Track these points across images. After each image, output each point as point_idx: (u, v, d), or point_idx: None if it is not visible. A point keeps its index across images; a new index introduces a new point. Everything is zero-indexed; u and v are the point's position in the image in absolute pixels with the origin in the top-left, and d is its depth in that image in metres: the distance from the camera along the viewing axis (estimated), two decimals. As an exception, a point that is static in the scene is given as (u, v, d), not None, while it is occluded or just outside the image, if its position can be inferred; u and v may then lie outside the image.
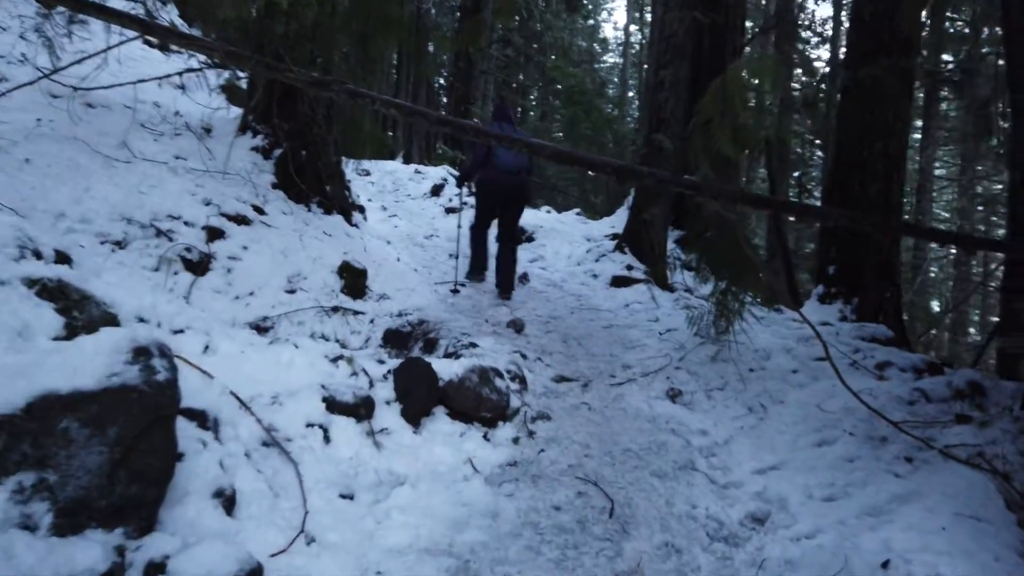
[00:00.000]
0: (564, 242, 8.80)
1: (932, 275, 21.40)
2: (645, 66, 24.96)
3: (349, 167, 12.55)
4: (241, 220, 6.16)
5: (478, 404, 4.06)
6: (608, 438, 4.06)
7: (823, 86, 8.38)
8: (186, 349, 3.66)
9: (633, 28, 31.83)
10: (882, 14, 7.64)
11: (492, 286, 7.38)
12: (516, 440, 3.97)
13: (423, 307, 6.20)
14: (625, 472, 3.66)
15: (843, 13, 17.67)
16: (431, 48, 22.19)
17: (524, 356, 5.22)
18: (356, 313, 5.96)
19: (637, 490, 3.48)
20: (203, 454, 2.90)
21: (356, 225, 7.96)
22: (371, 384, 3.90)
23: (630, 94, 29.56)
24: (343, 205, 7.86)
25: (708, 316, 5.81)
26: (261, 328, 5.40)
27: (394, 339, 5.83)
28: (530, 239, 9.11)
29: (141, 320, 3.74)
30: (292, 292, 5.80)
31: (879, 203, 8.02)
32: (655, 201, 7.82)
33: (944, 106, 19.52)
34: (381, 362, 4.12)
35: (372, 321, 5.96)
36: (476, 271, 7.41)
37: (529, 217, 9.74)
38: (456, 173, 13.20)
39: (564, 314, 6.61)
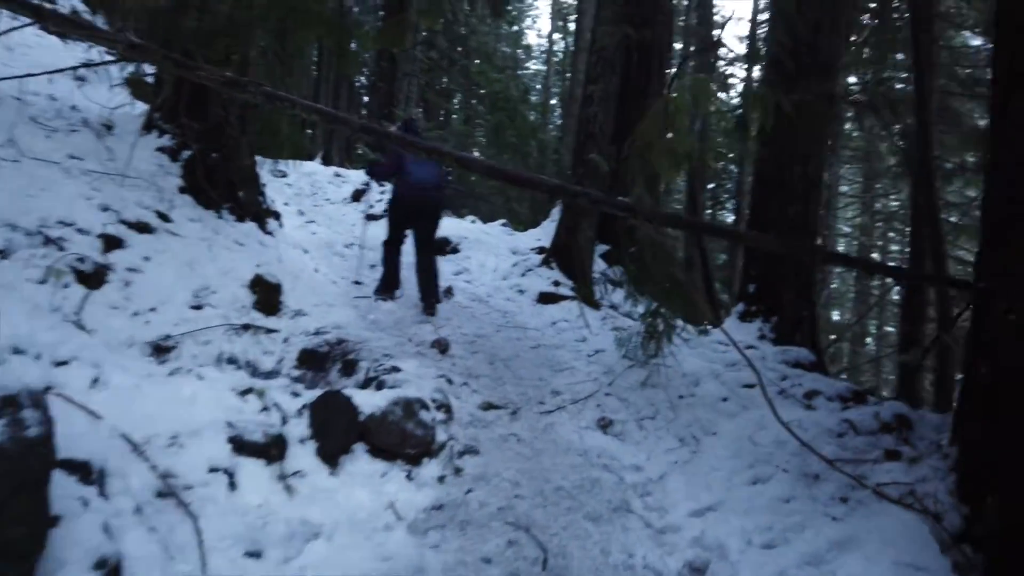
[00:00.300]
0: (490, 254, 8.56)
1: (834, 287, 22.30)
2: (568, 74, 25.07)
3: (264, 169, 11.94)
4: (143, 228, 5.65)
5: (402, 440, 3.76)
6: (539, 474, 3.83)
7: (749, 109, 8.45)
8: (71, 384, 3.22)
9: (556, 36, 31.97)
10: (802, 39, 7.75)
11: (416, 301, 7.06)
12: (442, 479, 3.70)
13: (342, 324, 5.83)
14: (558, 515, 3.44)
15: (760, 36, 18.16)
16: (353, 46, 21.59)
17: (450, 381, 4.95)
18: (269, 331, 5.54)
19: (571, 536, 3.27)
20: (84, 516, 2.50)
21: (271, 233, 7.50)
22: (284, 420, 3.55)
23: (552, 101, 29.64)
24: (257, 211, 7.38)
25: (637, 338, 5.68)
26: (162, 348, 4.93)
27: (310, 360, 5.45)
28: (455, 250, 8.83)
29: (17, 351, 3.26)
30: (198, 308, 5.34)
31: (798, 224, 8.14)
32: (583, 216, 7.69)
33: (848, 126, 20.38)
34: (296, 395, 3.76)
35: (286, 340, 5.56)
36: (386, 288, 7.02)
37: (454, 227, 9.45)
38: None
39: (490, 332, 6.37)
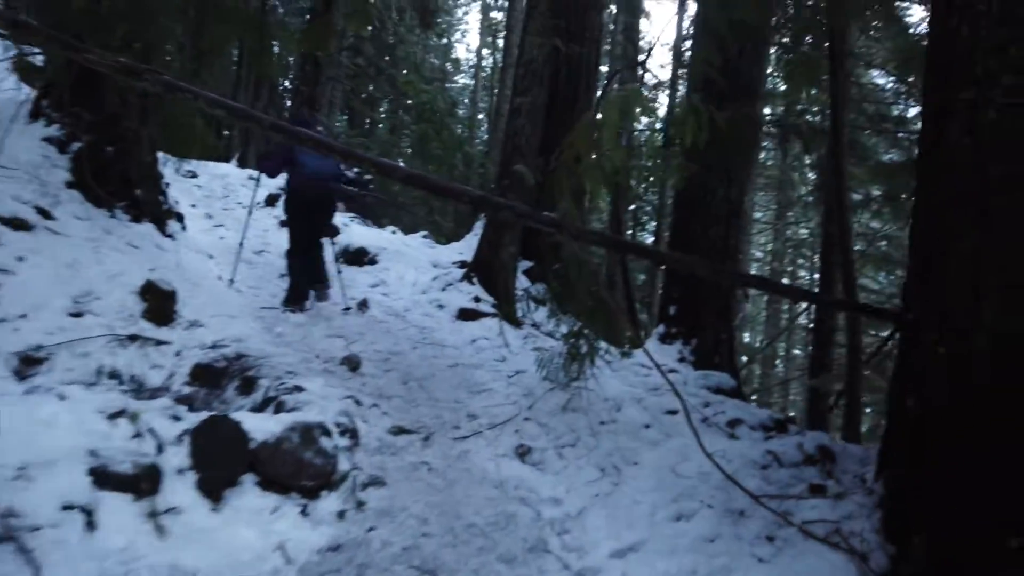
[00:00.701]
0: (409, 267, 8.18)
1: (749, 309, 22.84)
2: (496, 90, 24.98)
3: (168, 168, 11.21)
4: (19, 225, 5.06)
5: (298, 470, 3.35)
6: (450, 509, 3.49)
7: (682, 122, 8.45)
8: None
9: (485, 52, 31.85)
10: (725, 62, 7.74)
11: (327, 314, 6.61)
12: (342, 515, 3.31)
13: (243, 337, 5.34)
14: (469, 556, 3.11)
15: (685, 60, 18.49)
16: (276, 47, 20.84)
17: (358, 402, 4.55)
18: (159, 343, 5.01)
19: (483, 581, 2.94)
20: None
21: (171, 236, 6.91)
22: (160, 448, 3.09)
23: (480, 116, 29.49)
24: (156, 212, 6.78)
25: (558, 359, 5.43)
26: (31, 360, 4.37)
27: (204, 376, 4.94)
28: (372, 261, 8.40)
29: None
30: (78, 316, 4.78)
31: (718, 246, 8.11)
32: (506, 230, 7.42)
33: (763, 155, 20.99)
34: (176, 418, 3.30)
35: (179, 354, 5.04)
36: (295, 300, 6.62)
37: (373, 237, 9.03)
38: None
39: (406, 349, 6.00)
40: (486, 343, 6.38)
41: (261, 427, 3.37)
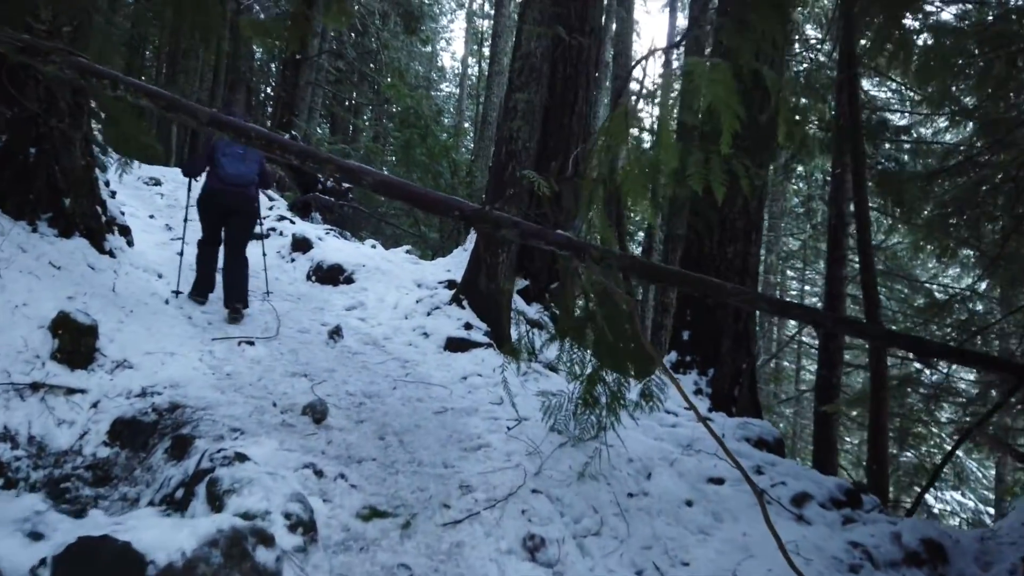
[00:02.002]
0: (391, 287, 7.11)
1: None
2: (482, 98, 24.02)
3: (130, 174, 10.05)
4: None
5: (220, 607, 2.28)
6: (440, 649, 2.43)
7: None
8: None
9: (471, 60, 30.90)
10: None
11: (290, 346, 5.53)
12: (283, 673, 2.24)
13: (182, 381, 4.25)
14: None
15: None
16: (255, 47, 19.68)
17: (319, 472, 3.48)
18: (71, 392, 3.91)
19: None
20: None
21: (111, 253, 5.80)
22: (1, 593, 2.00)
23: (466, 124, 28.49)
24: (91, 225, 5.67)
25: (568, 405, 4.40)
26: None
27: (127, 434, 3.85)
28: (349, 280, 7.31)
29: None
30: (-40, 360, 3.69)
31: (736, 265, 7.13)
32: (500, 246, 6.37)
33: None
34: (37, 537, 2.21)
35: (96, 405, 3.95)
36: (198, 291, 6.07)
37: (350, 253, 7.94)
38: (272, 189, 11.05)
39: (385, 390, 4.92)
40: (479, 380, 5.32)
41: (165, 543, 2.29)
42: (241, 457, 3.35)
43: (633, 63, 11.36)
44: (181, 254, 6.51)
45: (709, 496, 3.57)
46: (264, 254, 7.22)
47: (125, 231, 6.49)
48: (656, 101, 2.41)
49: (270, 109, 23.60)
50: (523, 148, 6.43)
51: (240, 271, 6.03)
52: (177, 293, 6.01)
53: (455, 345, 5.82)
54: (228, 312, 5.88)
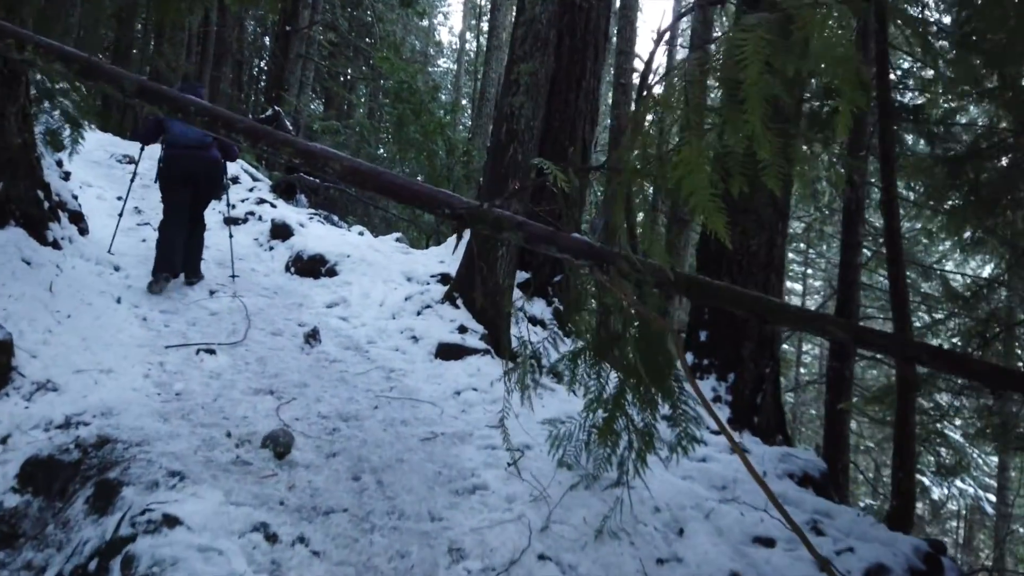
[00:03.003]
0: (377, 280, 6.32)
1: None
2: (480, 74, 23.08)
3: (101, 152, 9.20)
4: None
5: None
6: None
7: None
8: None
9: (469, 35, 29.80)
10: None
11: (262, 353, 4.75)
12: None
13: (117, 407, 3.48)
14: None
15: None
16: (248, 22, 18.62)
17: (273, 537, 2.72)
18: (-28, 426, 3.14)
19: None
20: None
21: (55, 244, 5.00)
22: None
23: (464, 102, 27.49)
24: (31, 213, 4.87)
25: (579, 432, 3.66)
26: None
27: (42, 478, 3.09)
28: (331, 272, 6.52)
29: None
30: None
31: (761, 258, 6.35)
32: (500, 243, 5.57)
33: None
34: None
35: (5, 441, 3.19)
36: (158, 275, 5.52)
37: (334, 241, 7.13)
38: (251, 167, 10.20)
39: (364, 410, 4.16)
40: (474, 396, 4.56)
41: None
42: (171, 521, 2.59)
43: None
44: (117, 226, 6.21)
45: (758, 565, 2.82)
46: (231, 236, 6.53)
47: (77, 218, 5.68)
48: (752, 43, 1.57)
49: (263, 84, 22.62)
50: (526, 127, 5.60)
51: (197, 239, 5.84)
52: (116, 269, 5.65)
53: (448, 352, 5.05)
54: (184, 279, 5.78)
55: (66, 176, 6.13)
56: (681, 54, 19.64)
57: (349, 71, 22.96)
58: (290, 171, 9.38)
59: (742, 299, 2.60)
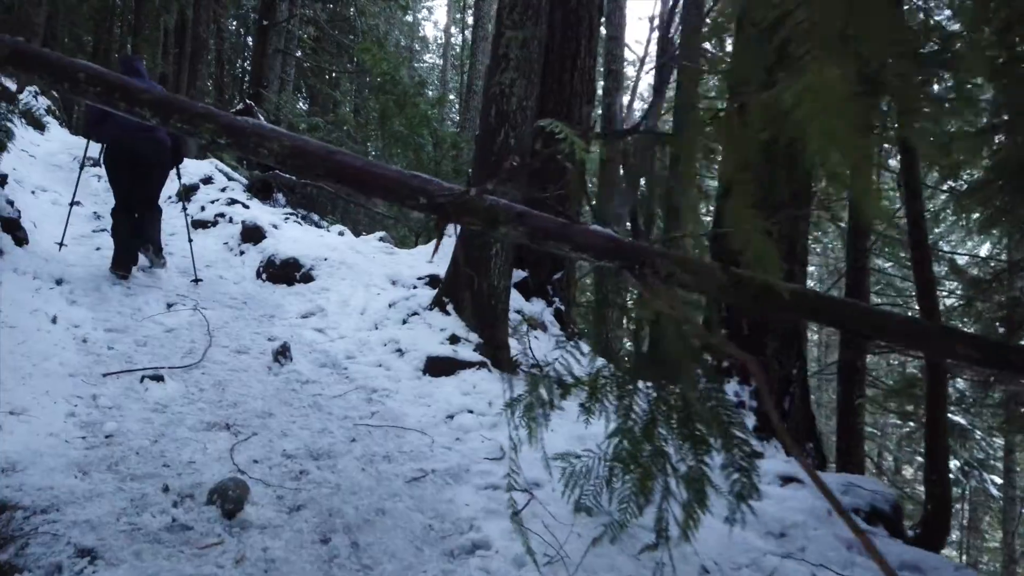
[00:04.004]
0: (358, 285, 5.58)
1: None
2: (467, 66, 22.35)
3: (65, 155, 8.43)
4: None
5: None
6: None
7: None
8: None
9: (454, 29, 28.97)
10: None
11: (221, 377, 4.01)
12: None
13: (26, 459, 2.75)
14: None
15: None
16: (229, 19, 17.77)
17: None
18: None
19: None
20: None
21: (-20, 257, 4.23)
22: None
23: (451, 97, 26.68)
24: (-55, 222, 4.12)
25: (600, 467, 2.95)
26: None
27: (-90, 566, 2.35)
28: (307, 278, 5.78)
29: None
30: None
31: (782, 249, 5.66)
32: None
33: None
34: None
35: None
36: (120, 265, 5.28)
37: (310, 243, 6.38)
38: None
39: (339, 443, 3.43)
40: (470, 420, 3.83)
41: None
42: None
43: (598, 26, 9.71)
44: (65, 231, 5.73)
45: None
46: (191, 240, 5.88)
47: (11, 226, 4.93)
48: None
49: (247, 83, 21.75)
50: (518, 108, 4.86)
51: (154, 225, 5.50)
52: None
53: (438, 366, 4.32)
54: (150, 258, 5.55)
55: (0, 181, 5.36)
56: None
57: (334, 69, 22.13)
58: (265, 169, 8.65)
59: (826, 307, 1.89)
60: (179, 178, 6.00)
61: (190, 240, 5.87)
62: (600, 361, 2.73)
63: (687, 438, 2.31)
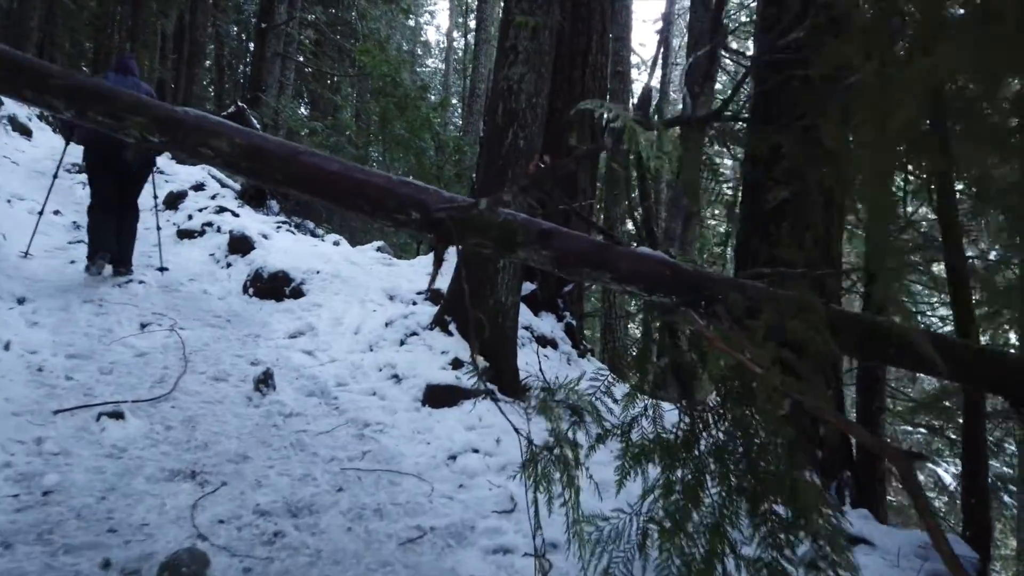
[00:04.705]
0: (353, 301, 5.06)
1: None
2: (470, 70, 21.90)
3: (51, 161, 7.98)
4: None
5: None
6: None
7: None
8: None
9: (456, 34, 28.53)
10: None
11: (193, 411, 3.49)
12: None
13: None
14: None
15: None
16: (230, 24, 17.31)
17: None
18: None
19: None
20: None
21: (-77, 275, 3.72)
22: None
23: (454, 101, 26.21)
24: None
25: (633, 529, 2.42)
26: None
27: None
28: (297, 293, 5.26)
29: None
30: None
31: (813, 255, 5.13)
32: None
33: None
34: None
35: None
36: (93, 255, 5.12)
37: (301, 254, 5.85)
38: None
39: (324, 493, 2.91)
40: (475, 461, 3.30)
41: None
42: None
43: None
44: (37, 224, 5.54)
45: None
46: (159, 227, 5.82)
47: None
48: None
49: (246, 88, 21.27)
50: (528, 106, 4.34)
51: (129, 227, 5.25)
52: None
53: (439, 396, 3.80)
54: (114, 271, 5.23)
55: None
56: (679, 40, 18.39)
57: (335, 73, 21.67)
58: (259, 175, 8.15)
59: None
60: (153, 186, 5.58)
61: (158, 228, 5.77)
62: (637, 407, 2.22)
63: (761, 517, 1.78)
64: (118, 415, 3.19)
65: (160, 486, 2.77)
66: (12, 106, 9.59)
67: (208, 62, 17.74)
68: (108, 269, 5.22)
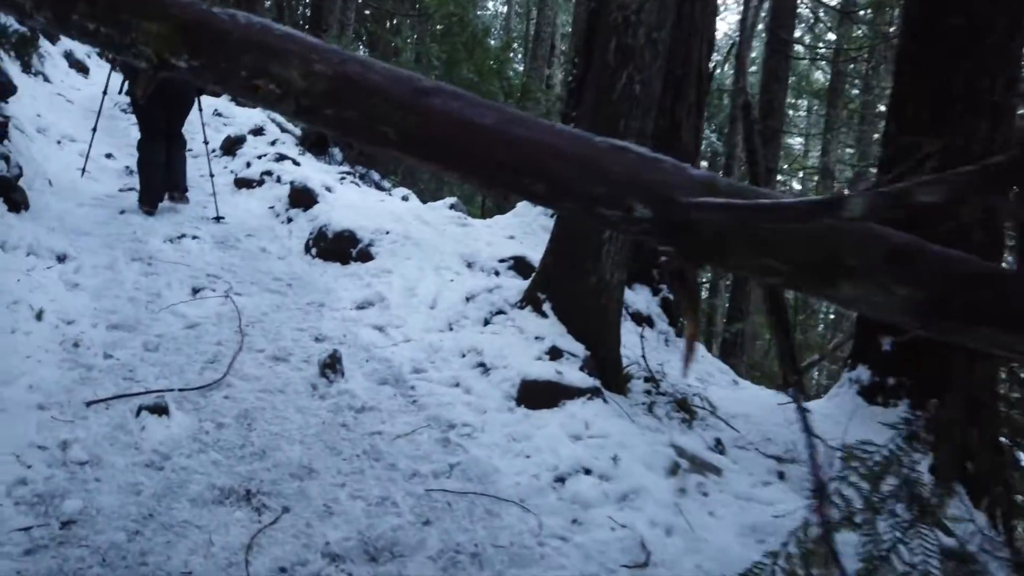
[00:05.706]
0: (427, 267, 4.40)
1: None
2: (533, 13, 20.74)
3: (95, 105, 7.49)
4: None
5: None
6: None
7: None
8: None
9: (519, -27, 26.96)
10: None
11: (252, 406, 2.90)
12: None
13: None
14: None
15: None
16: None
17: None
18: None
19: None
20: None
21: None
22: None
23: (515, 45, 24.96)
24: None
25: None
26: None
27: None
28: (365, 255, 4.62)
29: None
30: None
31: (976, 237, 4.22)
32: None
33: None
34: None
35: None
36: (147, 199, 4.95)
37: (369, 211, 5.19)
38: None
39: (407, 528, 2.29)
40: (589, 485, 2.63)
41: None
42: None
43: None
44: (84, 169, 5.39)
45: None
46: (212, 175, 5.49)
47: (5, 188, 3.87)
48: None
49: (307, 27, 20.52)
50: (647, 43, 3.50)
51: (179, 155, 5.15)
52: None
53: (536, 394, 3.12)
54: (168, 196, 5.12)
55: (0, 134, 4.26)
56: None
57: (396, 13, 20.66)
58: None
59: None
60: (200, 110, 5.34)
61: (211, 175, 5.44)
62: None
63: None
64: (161, 409, 2.62)
65: (208, 512, 2.19)
66: (68, 42, 9.10)
67: (268, 1, 17.02)
68: (165, 203, 5.11)
